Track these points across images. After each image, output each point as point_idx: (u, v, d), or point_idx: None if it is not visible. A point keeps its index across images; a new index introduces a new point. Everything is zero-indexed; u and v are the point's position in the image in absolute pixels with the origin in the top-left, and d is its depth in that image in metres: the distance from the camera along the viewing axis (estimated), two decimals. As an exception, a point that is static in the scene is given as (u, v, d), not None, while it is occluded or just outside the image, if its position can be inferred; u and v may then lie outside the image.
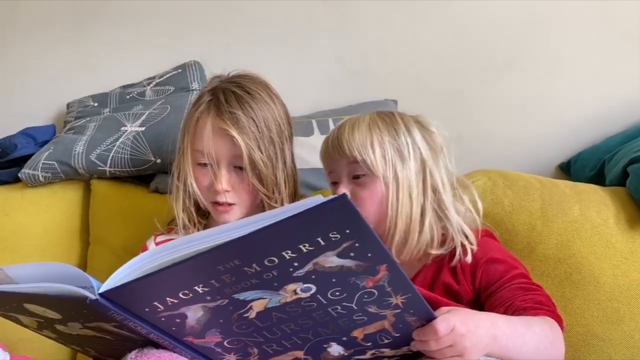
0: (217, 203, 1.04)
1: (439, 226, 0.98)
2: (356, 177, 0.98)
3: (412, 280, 0.93)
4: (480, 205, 1.01)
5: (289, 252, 0.61)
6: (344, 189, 0.98)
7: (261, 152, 1.02)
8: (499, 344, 0.79)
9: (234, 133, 1.00)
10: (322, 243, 0.60)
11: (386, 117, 1.01)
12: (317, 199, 0.57)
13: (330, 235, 0.60)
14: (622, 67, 1.41)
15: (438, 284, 0.97)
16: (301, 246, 0.60)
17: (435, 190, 0.98)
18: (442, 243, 0.98)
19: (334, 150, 1.00)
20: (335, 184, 1.02)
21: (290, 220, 0.58)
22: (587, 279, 1.11)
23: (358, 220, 0.59)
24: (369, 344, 0.76)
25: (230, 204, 1.04)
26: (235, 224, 0.61)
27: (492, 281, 0.94)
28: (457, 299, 0.94)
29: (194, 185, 1.04)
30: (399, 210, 0.96)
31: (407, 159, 0.97)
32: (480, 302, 0.95)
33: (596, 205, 1.16)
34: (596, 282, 1.11)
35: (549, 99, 1.44)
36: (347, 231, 0.60)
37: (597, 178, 1.30)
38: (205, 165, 1.03)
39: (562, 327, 0.88)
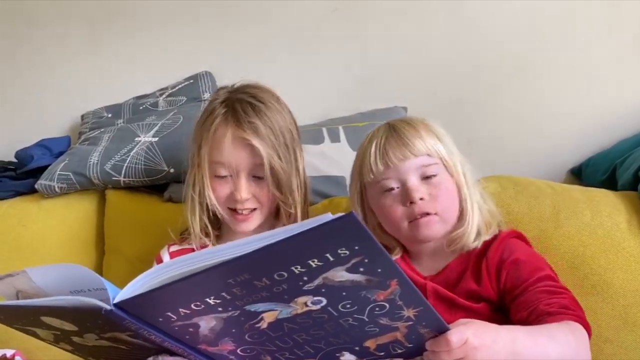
0: (235, 212, 1.05)
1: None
2: (427, 177, 0.98)
3: (437, 275, 0.98)
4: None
5: (298, 267, 0.61)
6: (417, 193, 0.96)
7: (280, 160, 1.03)
8: (519, 359, 0.78)
9: (256, 142, 1.01)
10: (331, 259, 0.61)
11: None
12: (325, 217, 0.57)
13: (339, 251, 0.60)
14: (633, 71, 1.40)
15: (460, 285, 0.97)
16: (310, 262, 0.61)
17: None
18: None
19: (399, 152, 0.98)
20: (393, 189, 0.99)
21: (298, 237, 0.58)
22: (599, 284, 1.10)
23: (366, 237, 0.59)
24: (382, 353, 0.77)
25: (251, 210, 1.05)
26: (245, 240, 0.61)
27: (517, 284, 0.93)
28: (477, 300, 0.94)
29: (212, 196, 1.05)
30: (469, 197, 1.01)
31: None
32: (504, 303, 0.94)
33: (608, 210, 1.15)
34: (608, 287, 1.10)
35: (559, 103, 1.44)
36: (356, 247, 0.60)
37: (609, 182, 1.29)
38: (223, 176, 1.04)
39: (589, 332, 0.87)
